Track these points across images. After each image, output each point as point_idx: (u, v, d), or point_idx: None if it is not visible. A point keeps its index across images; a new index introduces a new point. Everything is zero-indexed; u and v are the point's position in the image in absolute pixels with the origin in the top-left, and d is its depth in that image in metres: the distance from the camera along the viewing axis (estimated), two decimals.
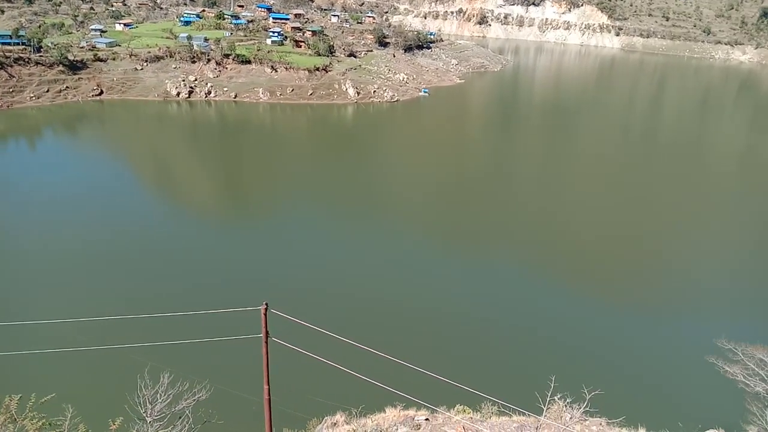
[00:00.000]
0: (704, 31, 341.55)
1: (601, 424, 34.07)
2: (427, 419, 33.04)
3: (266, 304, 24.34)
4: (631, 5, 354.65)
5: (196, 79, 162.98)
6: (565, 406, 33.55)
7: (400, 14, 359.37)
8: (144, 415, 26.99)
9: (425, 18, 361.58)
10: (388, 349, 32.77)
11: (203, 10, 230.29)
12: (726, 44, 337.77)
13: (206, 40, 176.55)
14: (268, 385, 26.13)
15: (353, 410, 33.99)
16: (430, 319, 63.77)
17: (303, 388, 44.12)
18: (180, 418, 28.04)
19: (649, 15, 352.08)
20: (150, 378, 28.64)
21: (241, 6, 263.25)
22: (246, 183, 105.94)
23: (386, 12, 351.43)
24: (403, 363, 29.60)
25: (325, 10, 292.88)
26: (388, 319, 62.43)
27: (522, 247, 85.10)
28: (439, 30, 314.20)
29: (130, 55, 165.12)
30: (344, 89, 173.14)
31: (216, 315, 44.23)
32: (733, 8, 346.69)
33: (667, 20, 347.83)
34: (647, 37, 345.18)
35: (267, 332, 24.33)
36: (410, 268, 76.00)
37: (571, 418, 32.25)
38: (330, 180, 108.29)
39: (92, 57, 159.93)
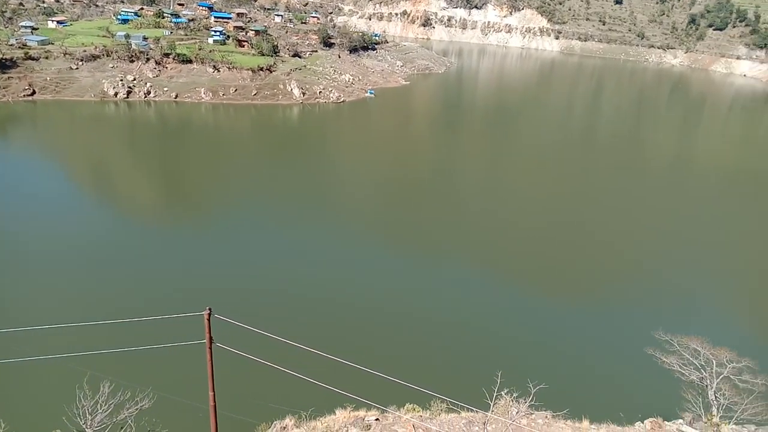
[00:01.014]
0: (638, 36, 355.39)
1: (546, 417, 34.90)
2: (377, 419, 33.03)
3: (209, 309, 23.74)
4: (570, 9, 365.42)
5: (134, 79, 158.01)
6: (512, 400, 34.16)
7: (344, 15, 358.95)
8: (83, 426, 25.99)
9: (370, 19, 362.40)
10: (337, 351, 32.53)
11: (141, 8, 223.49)
12: (659, 48, 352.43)
13: (145, 38, 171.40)
14: (214, 391, 25.49)
15: (303, 413, 33.63)
16: (378, 320, 63.80)
17: (250, 393, 43.37)
18: (122, 428, 27.21)
19: (587, 19, 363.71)
20: (89, 388, 27.57)
21: (182, 4, 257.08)
22: (188, 185, 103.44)
23: (331, 12, 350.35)
24: (352, 364, 29.44)
25: (268, 9, 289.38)
26: (336, 321, 62.10)
27: (466, 245, 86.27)
28: (384, 31, 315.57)
29: (65, 54, 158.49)
30: (289, 89, 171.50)
31: (159, 321, 42.91)
32: (664, 14, 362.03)
33: (604, 24, 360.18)
34: (585, 41, 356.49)
35: (211, 338, 23.72)
36: (358, 269, 75.95)
37: (517, 412, 32.84)
38: (276, 181, 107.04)
39: (23, 55, 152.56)
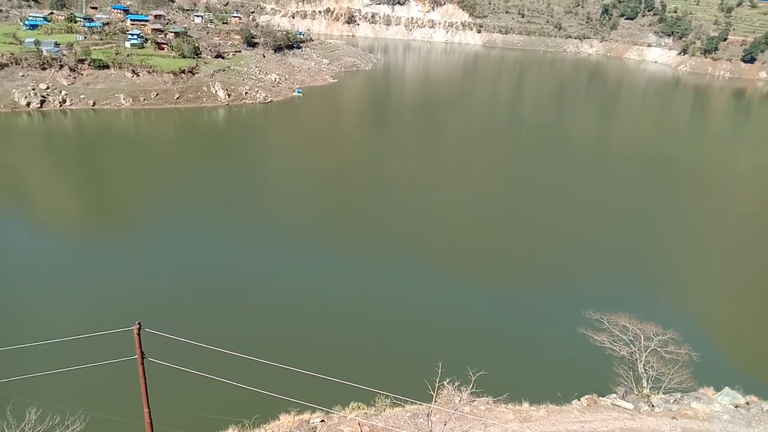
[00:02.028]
0: (556, 27, 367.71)
1: (488, 402, 35.60)
2: (322, 421, 32.79)
3: (139, 323, 22.83)
4: (490, 3, 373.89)
5: (48, 87, 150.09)
6: (454, 389, 34.70)
7: (267, 14, 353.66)
8: None
9: (293, 17, 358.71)
10: (277, 357, 32.05)
11: (51, 13, 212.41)
12: (575, 38, 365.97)
13: (57, 44, 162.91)
14: (149, 408, 24.58)
15: (246, 422, 32.99)
16: (316, 321, 63.43)
17: (189, 406, 42.19)
18: None
19: (506, 12, 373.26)
20: (14, 416, 26.08)
21: (95, 8, 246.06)
22: (111, 196, 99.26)
23: (252, 12, 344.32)
24: (293, 368, 29.09)
25: (187, 10, 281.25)
26: (273, 326, 61.32)
27: (401, 240, 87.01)
28: (309, 29, 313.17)
29: None
30: (213, 91, 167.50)
31: (88, 339, 41.00)
32: (579, 5, 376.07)
33: (523, 17, 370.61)
34: (506, 34, 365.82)
35: (142, 353, 22.84)
36: (291, 270, 75.12)
37: (460, 400, 33.36)
38: (203, 186, 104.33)
39: None
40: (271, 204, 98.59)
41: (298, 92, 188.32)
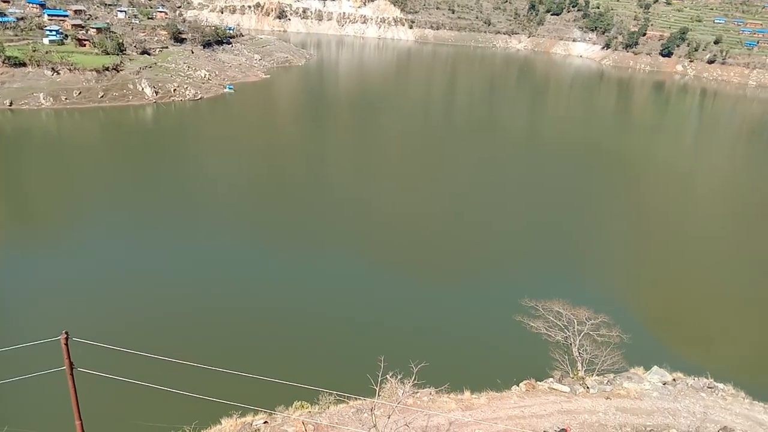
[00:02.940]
0: (485, 22, 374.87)
1: (430, 393, 36.09)
2: (265, 422, 32.32)
3: (66, 333, 21.69)
4: None
5: None
6: (397, 382, 34.94)
7: (194, 9, 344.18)
8: None
9: (222, 12, 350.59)
10: (216, 360, 31.31)
11: None
12: (504, 34, 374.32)
13: None
14: (81, 420, 23.46)
15: (186, 428, 32.14)
16: (254, 322, 62.52)
17: (126, 416, 40.64)
18: None
19: (437, 8, 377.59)
20: None
21: (7, 1, 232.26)
22: (32, 202, 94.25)
23: (179, 6, 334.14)
24: (232, 372, 28.50)
25: (109, 5, 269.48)
26: (210, 329, 59.96)
27: (339, 238, 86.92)
28: (238, 25, 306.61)
29: None
30: (140, 89, 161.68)
31: (11, 352, 38.77)
32: (507, 1, 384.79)
33: (453, 13, 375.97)
34: (437, 29, 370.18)
35: (71, 363, 21.73)
36: (227, 270, 73.73)
37: (403, 393, 33.60)
38: (131, 187, 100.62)
39: None
40: (206, 204, 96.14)
41: (229, 88, 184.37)
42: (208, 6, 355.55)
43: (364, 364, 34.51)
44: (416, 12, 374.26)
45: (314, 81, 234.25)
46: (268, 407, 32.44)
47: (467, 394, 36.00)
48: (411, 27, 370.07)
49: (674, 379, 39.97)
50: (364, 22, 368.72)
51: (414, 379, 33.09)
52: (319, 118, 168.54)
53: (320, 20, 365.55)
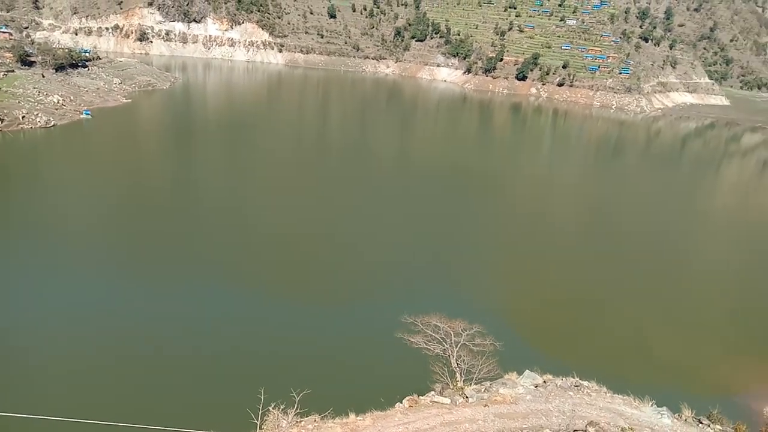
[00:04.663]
0: (354, 48, 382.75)
1: (315, 420, 35.40)
2: None
3: None
4: (289, 23, 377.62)
5: None
6: (280, 413, 33.95)
7: (44, 30, 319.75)
8: None
9: (76, 34, 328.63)
10: (72, 410, 28.59)
11: None
12: (373, 59, 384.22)
13: None
14: None
15: None
16: (116, 361, 58.18)
17: None
18: None
19: (306, 33, 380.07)
20: None
21: None
22: None
23: (26, 27, 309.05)
24: (92, 422, 26.13)
25: None
26: (64, 372, 55.00)
27: (207, 261, 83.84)
28: (95, 47, 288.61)
29: None
30: None
31: None
32: (374, 27, 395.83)
33: (322, 37, 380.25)
34: (307, 53, 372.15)
35: None
36: (75, 305, 68.24)
37: (286, 423, 32.70)
38: None
39: None
40: (60, 232, 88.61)
41: (87, 114, 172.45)
42: (60, 27, 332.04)
43: (244, 397, 33.22)
44: (285, 36, 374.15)
45: (180, 104, 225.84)
46: None
47: (352, 416, 35.75)
48: (281, 51, 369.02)
49: (545, 381, 42.31)
50: (231, 45, 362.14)
51: (297, 408, 32.34)
52: (187, 142, 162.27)
53: (185, 43, 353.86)
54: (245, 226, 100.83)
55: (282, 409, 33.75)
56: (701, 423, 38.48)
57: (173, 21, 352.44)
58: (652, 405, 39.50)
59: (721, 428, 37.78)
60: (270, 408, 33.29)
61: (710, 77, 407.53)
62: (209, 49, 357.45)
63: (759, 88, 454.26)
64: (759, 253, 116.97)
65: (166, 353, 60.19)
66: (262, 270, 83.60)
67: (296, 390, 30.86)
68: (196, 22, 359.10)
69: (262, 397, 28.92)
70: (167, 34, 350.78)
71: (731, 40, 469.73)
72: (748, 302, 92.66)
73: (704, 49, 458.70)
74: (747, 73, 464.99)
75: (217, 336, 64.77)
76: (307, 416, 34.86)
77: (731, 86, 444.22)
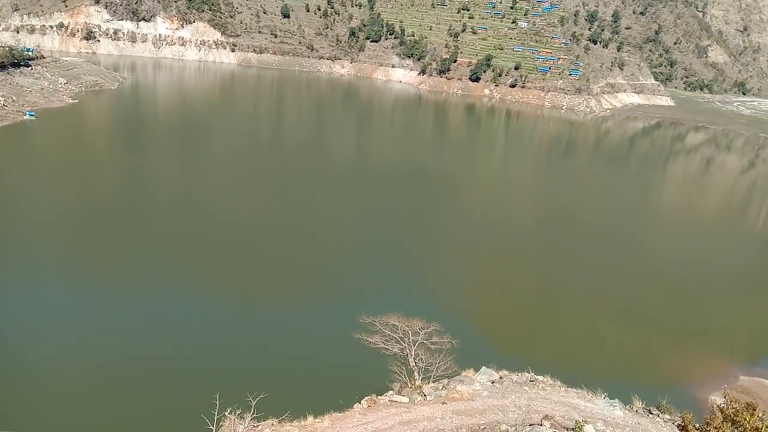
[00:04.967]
0: (308, 48, 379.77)
1: (272, 424, 34.90)
2: None
3: None
4: (242, 23, 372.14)
5: None
6: (236, 418, 33.33)
7: None
8: None
9: (18, 32, 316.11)
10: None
11: None
12: (328, 59, 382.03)
13: None
14: None
15: None
16: (58, 372, 56.17)
17: None
18: None
19: (259, 32, 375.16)
20: None
21: None
22: None
23: None
24: None
25: None
26: None
27: (155, 264, 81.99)
28: (38, 46, 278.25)
29: None
30: None
31: None
32: (328, 27, 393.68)
33: (276, 37, 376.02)
34: (261, 53, 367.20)
35: None
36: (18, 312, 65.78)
37: (243, 428, 32.14)
38: None
39: None
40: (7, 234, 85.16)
41: (30, 115, 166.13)
42: (1, 25, 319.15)
43: (199, 404, 32.48)
44: (238, 35, 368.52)
45: (130, 104, 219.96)
46: None
47: (310, 419, 35.38)
48: (233, 50, 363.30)
49: (501, 377, 42.76)
50: (182, 45, 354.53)
51: (253, 413, 31.82)
52: (136, 143, 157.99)
53: (134, 42, 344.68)
54: (197, 227, 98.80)
55: (238, 414, 33.15)
56: (651, 413, 39.55)
57: (121, 19, 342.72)
58: (604, 397, 40.39)
59: (669, 417, 38.90)
60: (226, 413, 32.68)
61: (656, 78, 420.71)
62: (159, 48, 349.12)
63: (701, 89, 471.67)
64: (702, 247, 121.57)
65: (116, 362, 58.35)
66: (214, 272, 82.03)
67: (253, 394, 30.27)
68: (145, 20, 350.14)
69: (218, 403, 28.25)
70: (115, 33, 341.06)
71: (675, 43, 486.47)
72: (691, 294, 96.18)
73: (650, 51, 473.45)
74: (690, 74, 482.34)
75: (169, 342, 63.20)
76: (264, 420, 34.36)
77: (676, 87, 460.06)
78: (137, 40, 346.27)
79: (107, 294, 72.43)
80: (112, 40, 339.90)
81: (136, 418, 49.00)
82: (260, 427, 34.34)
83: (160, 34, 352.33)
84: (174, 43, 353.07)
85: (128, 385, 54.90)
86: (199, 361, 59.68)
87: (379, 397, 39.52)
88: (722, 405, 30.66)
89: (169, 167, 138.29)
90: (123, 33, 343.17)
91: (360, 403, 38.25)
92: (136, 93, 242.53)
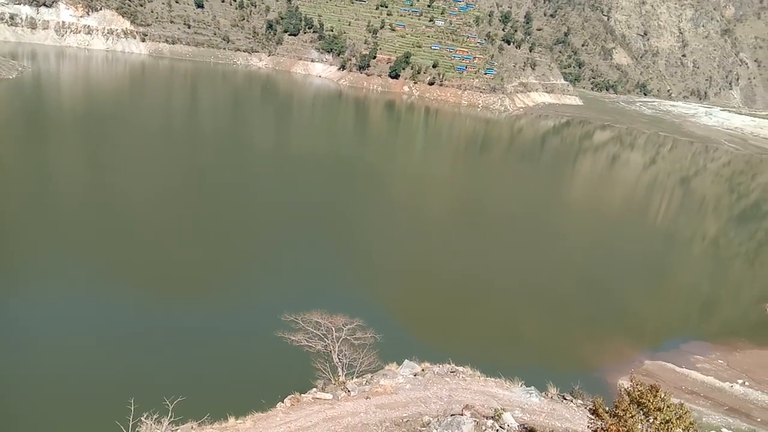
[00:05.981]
0: (224, 39, 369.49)
1: (192, 428, 33.80)
2: None
3: None
4: (152, 12, 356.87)
5: None
6: (153, 423, 32.03)
7: None
8: None
9: None
10: None
11: None
12: (245, 51, 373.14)
13: None
14: None
15: None
16: None
17: None
18: None
19: (171, 22, 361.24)
20: None
21: None
22: None
23: None
24: None
25: None
26: None
27: (62, 264, 77.58)
28: None
29: None
30: None
31: None
32: (244, 19, 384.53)
33: (189, 28, 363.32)
34: (173, 44, 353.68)
35: None
36: None
37: None
38: None
39: None
40: None
41: None
42: None
43: (113, 410, 30.86)
44: (149, 25, 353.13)
45: (31, 96, 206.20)
46: None
47: (231, 420, 34.57)
48: (144, 40, 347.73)
49: (423, 370, 43.37)
50: (88, 33, 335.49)
51: (171, 416, 30.64)
52: (38, 135, 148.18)
53: (34, 29, 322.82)
54: (102, 223, 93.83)
55: (155, 419, 31.80)
56: (565, 399, 41.36)
57: (18, 4, 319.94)
58: (521, 385, 41.82)
59: (582, 402, 40.77)
60: (142, 419, 31.27)
61: (565, 79, 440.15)
62: (63, 36, 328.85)
63: (607, 90, 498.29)
64: (610, 239, 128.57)
65: (21, 372, 54.58)
66: (126, 270, 78.27)
67: (170, 397, 29.08)
68: (46, 6, 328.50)
69: (132, 408, 26.89)
70: (12, 18, 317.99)
71: (582, 45, 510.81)
72: (600, 283, 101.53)
73: (560, 52, 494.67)
74: (597, 75, 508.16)
75: (75, 347, 59.75)
76: (183, 423, 33.24)
77: (584, 87, 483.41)
78: (38, 27, 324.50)
79: (5, 298, 67.57)
80: (8, 25, 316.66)
81: (47, 429, 46.03)
82: (179, 431, 33.19)
83: (63, 21, 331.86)
84: (79, 32, 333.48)
85: (32, 395, 51.43)
86: (110, 365, 56.79)
87: (302, 395, 39.08)
88: (629, 388, 32.41)
89: (73, 161, 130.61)
90: (21, 18, 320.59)
91: (283, 402, 37.70)
92: (37, 83, 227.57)
